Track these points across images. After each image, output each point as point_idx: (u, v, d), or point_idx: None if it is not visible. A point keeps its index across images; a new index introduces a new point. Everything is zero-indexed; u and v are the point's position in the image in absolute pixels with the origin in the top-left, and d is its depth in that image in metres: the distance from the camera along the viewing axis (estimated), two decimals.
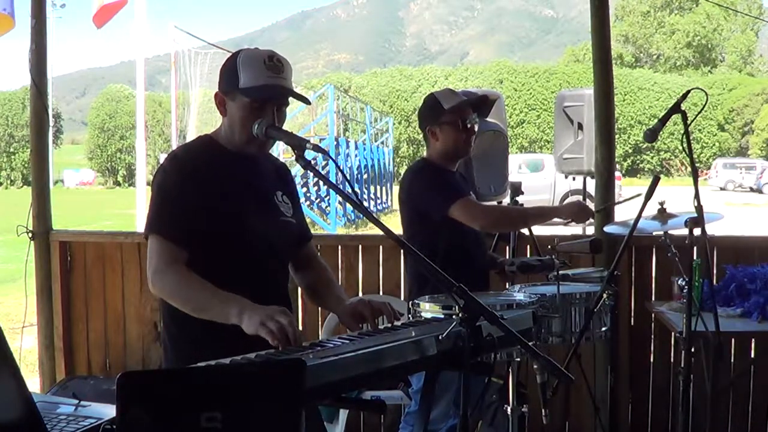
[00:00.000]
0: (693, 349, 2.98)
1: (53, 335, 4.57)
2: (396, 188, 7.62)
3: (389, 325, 2.06)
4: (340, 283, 4.26)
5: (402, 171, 3.77)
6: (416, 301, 2.49)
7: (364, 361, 1.64)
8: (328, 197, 19.16)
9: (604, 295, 2.89)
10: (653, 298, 4.15)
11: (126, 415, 1.26)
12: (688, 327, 2.92)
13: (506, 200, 3.94)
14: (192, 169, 2.17)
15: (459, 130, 3.18)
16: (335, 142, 19.42)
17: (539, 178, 19.98)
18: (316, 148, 2.03)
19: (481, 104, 3.43)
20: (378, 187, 24.16)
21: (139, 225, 12.76)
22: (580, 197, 4.97)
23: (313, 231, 2.60)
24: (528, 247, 4.06)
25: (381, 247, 4.34)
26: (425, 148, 3.35)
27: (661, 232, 3.13)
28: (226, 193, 2.17)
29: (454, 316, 1.81)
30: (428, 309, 2.40)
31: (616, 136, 4.51)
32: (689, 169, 3.60)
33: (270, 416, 1.36)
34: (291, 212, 2.32)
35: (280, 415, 1.36)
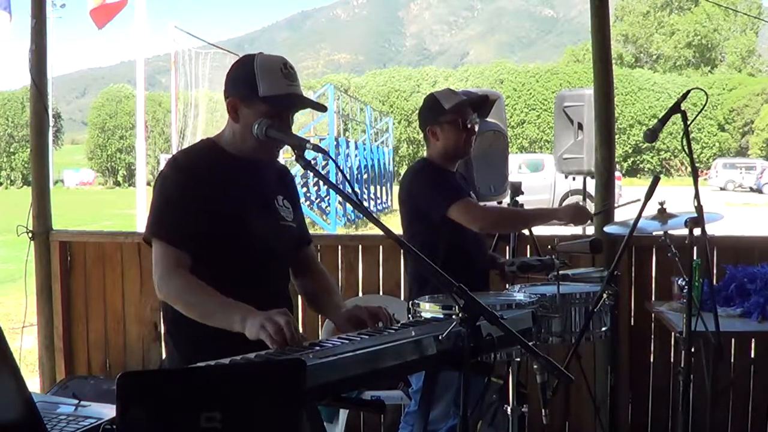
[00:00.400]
0: (693, 349, 2.98)
1: (53, 335, 4.57)
2: (396, 188, 7.61)
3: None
4: (340, 283, 4.27)
5: (402, 171, 3.78)
6: (416, 301, 2.49)
7: (364, 361, 1.64)
8: (328, 197, 19.15)
9: (604, 295, 2.89)
10: (653, 298, 4.15)
11: (126, 415, 1.27)
12: (688, 327, 2.92)
13: (506, 200, 3.94)
14: (193, 172, 2.18)
15: (459, 130, 3.18)
16: (335, 142, 19.42)
17: (539, 178, 19.98)
18: (316, 148, 2.03)
19: (481, 104, 3.43)
20: (378, 187, 24.16)
21: (140, 225, 12.78)
22: (580, 197, 4.97)
23: (313, 231, 2.62)
24: (528, 247, 4.06)
25: (381, 247, 4.34)
26: (425, 148, 3.35)
27: (661, 232, 3.13)
28: (227, 197, 2.18)
29: (454, 316, 1.81)
30: (428, 309, 2.40)
31: (616, 136, 4.51)
32: (689, 169, 3.60)
33: (270, 416, 1.36)
34: (291, 216, 2.34)
35: (280, 415, 1.36)
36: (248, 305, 1.98)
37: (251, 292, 2.05)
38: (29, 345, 5.07)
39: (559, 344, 2.93)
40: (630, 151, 44.65)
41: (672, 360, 4.14)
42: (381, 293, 4.30)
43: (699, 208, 2.88)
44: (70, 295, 4.61)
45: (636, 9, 62.84)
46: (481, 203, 3.55)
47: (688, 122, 2.90)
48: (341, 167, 2.57)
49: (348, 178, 2.77)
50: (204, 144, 2.33)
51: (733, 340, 3.91)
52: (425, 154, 3.38)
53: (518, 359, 2.80)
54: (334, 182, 2.13)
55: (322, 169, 9.54)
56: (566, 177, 6.44)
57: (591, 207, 4.11)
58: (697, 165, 3.02)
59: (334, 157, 12.17)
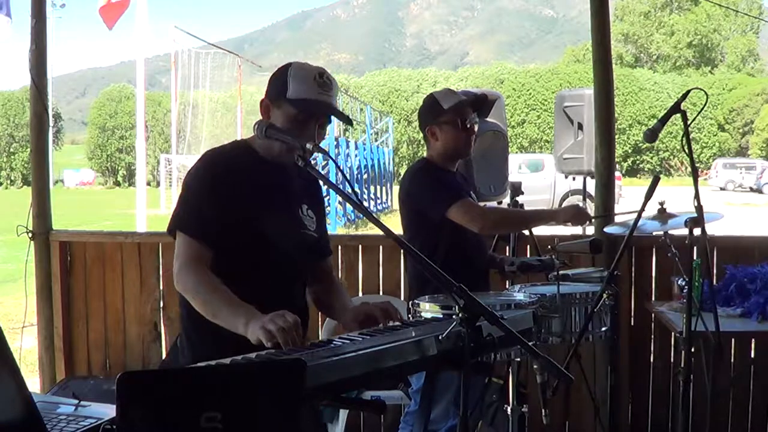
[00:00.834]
0: (693, 349, 2.98)
1: (53, 335, 4.57)
2: (396, 188, 7.62)
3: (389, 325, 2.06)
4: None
5: (402, 171, 3.79)
6: (416, 301, 2.49)
7: (364, 361, 1.64)
8: (328, 197, 19.14)
9: (604, 295, 2.89)
10: (653, 298, 4.15)
11: (126, 415, 1.26)
12: (688, 327, 2.91)
13: (506, 200, 3.94)
14: (222, 171, 2.21)
15: (459, 130, 3.18)
16: (335, 142, 19.42)
17: (539, 178, 19.99)
18: (316, 148, 2.04)
19: (480, 103, 3.43)
20: (378, 187, 24.16)
21: (140, 225, 12.80)
22: (581, 197, 4.97)
23: None
24: (528, 247, 4.06)
25: (381, 247, 4.34)
26: (425, 148, 3.35)
27: (661, 232, 3.13)
28: (251, 200, 2.21)
29: (454, 316, 1.80)
30: (428, 309, 2.41)
31: (616, 136, 4.51)
32: (689, 169, 3.60)
33: (270, 416, 1.36)
34: (314, 226, 2.36)
35: (280, 415, 1.37)
36: (256, 308, 2.00)
37: (264, 295, 2.08)
38: (29, 345, 5.07)
39: (559, 344, 2.93)
40: (630, 151, 44.67)
41: (672, 360, 4.14)
42: (381, 293, 4.30)
43: (699, 208, 2.88)
44: (70, 295, 4.60)
45: (636, 9, 62.82)
46: (481, 203, 3.55)
47: (688, 122, 2.90)
48: (341, 167, 2.57)
49: (348, 178, 2.78)
50: (236, 145, 2.37)
51: (733, 340, 3.91)
52: (425, 154, 3.38)
53: (518, 359, 2.81)
54: (334, 182, 2.14)
55: (322, 169, 9.55)
56: (566, 177, 6.44)
57: (591, 207, 4.11)
58: (697, 165, 3.02)
59: (334, 157, 12.17)
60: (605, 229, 3.48)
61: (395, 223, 2.87)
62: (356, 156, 21.90)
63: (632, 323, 4.24)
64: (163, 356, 4.46)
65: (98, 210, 24.55)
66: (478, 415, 3.03)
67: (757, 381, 4.09)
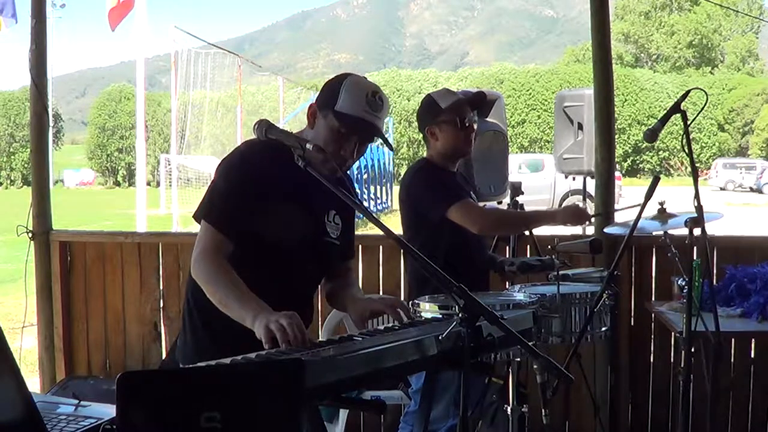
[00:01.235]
0: (693, 349, 2.98)
1: (53, 335, 4.57)
2: (396, 188, 7.62)
3: (389, 324, 2.07)
4: None
5: (402, 171, 3.78)
6: (416, 301, 2.49)
7: (364, 361, 1.64)
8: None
9: (604, 295, 2.89)
10: (653, 298, 4.15)
11: (126, 415, 1.27)
12: (688, 327, 2.92)
13: (506, 200, 3.94)
14: (255, 167, 2.21)
15: (458, 129, 3.17)
16: None
17: (539, 178, 19.99)
18: (316, 149, 2.03)
19: (478, 101, 3.41)
20: (378, 187, 24.15)
21: (139, 225, 12.80)
22: (580, 197, 4.97)
23: None
24: (528, 247, 4.06)
25: (381, 247, 4.34)
26: (426, 149, 3.35)
27: (661, 232, 3.13)
28: (278, 202, 2.20)
29: (454, 316, 1.81)
30: (428, 309, 2.40)
31: (616, 136, 4.51)
32: (689, 169, 3.60)
33: (270, 416, 1.36)
34: (337, 233, 2.35)
35: (280, 415, 1.36)
36: (267, 303, 2.02)
37: (274, 291, 2.10)
38: (29, 345, 5.07)
39: (559, 344, 2.93)
40: (630, 151, 44.62)
41: (672, 360, 4.14)
42: (381, 293, 4.30)
43: (699, 208, 2.88)
44: (70, 295, 4.61)
45: (636, 9, 62.78)
46: (481, 203, 3.55)
47: (688, 122, 2.90)
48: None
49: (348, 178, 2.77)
50: (274, 142, 2.34)
51: (733, 340, 3.91)
52: (425, 154, 3.38)
53: (518, 359, 2.81)
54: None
55: None
56: (566, 177, 6.45)
57: (591, 207, 4.11)
58: (697, 165, 3.02)
59: None
60: (605, 230, 3.48)
61: (395, 223, 2.87)
62: None
63: (632, 323, 4.24)
64: (163, 356, 4.46)
65: (98, 210, 24.55)
66: (478, 415, 3.03)
67: (757, 381, 4.09)
